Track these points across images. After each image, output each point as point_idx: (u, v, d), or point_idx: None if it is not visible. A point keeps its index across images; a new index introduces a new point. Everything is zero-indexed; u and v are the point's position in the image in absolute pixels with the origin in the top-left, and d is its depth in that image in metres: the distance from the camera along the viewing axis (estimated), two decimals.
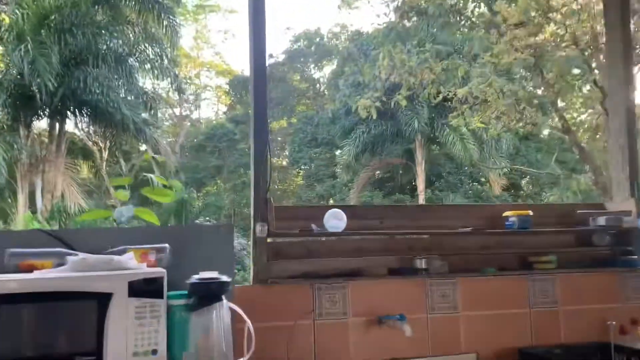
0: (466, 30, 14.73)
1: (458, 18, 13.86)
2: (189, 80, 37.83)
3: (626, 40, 4.30)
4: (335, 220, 3.59)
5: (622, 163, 4.28)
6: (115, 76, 18.03)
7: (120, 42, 17.67)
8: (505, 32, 10.57)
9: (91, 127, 22.10)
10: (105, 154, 32.56)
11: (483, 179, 27.27)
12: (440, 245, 3.90)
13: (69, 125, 29.15)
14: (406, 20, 14.09)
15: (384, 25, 14.30)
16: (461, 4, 12.97)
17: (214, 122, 36.44)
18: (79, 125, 24.56)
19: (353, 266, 3.66)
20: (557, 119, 15.06)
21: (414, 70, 13.17)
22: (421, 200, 23.94)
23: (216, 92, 38.57)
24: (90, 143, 31.97)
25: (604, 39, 10.53)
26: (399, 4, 13.62)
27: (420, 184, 24.15)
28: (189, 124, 38.58)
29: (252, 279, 3.46)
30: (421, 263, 3.71)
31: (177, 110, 37.51)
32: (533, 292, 3.91)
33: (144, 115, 22.05)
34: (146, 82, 30.32)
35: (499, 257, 3.99)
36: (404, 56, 13.34)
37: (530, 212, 3.99)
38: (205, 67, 38.00)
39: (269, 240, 3.48)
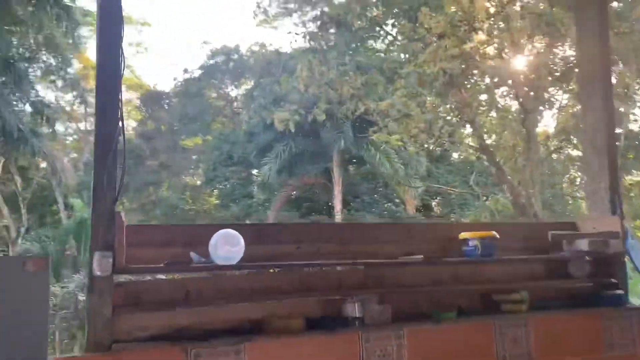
0: (385, 44, 14.04)
1: (378, 31, 13.11)
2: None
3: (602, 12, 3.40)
4: (227, 247, 2.30)
5: (599, 170, 3.33)
6: (2, 80, 15.72)
7: (9, 44, 15.41)
8: (429, 43, 9.82)
9: None
10: None
11: (397, 200, 26.87)
12: (378, 281, 2.72)
13: None
14: (325, 32, 13.15)
15: (302, 35, 13.26)
16: (381, 17, 12.19)
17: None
18: None
19: (253, 316, 2.38)
20: (470, 139, 14.68)
21: (333, 83, 12.18)
22: (337, 220, 23.02)
23: (126, 106, 36.04)
24: None
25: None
26: (318, 13, 12.66)
27: (338, 203, 23.23)
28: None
29: (86, 343, 2.09)
30: (353, 309, 2.50)
31: (82, 125, 34.59)
32: (502, 342, 2.81)
33: (45, 128, 19.72)
34: (47, 93, 27.67)
35: (456, 295, 2.88)
36: (323, 68, 12.30)
37: (495, 234, 2.91)
38: None
39: (117, 279, 2.14)
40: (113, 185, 2.20)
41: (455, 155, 31.27)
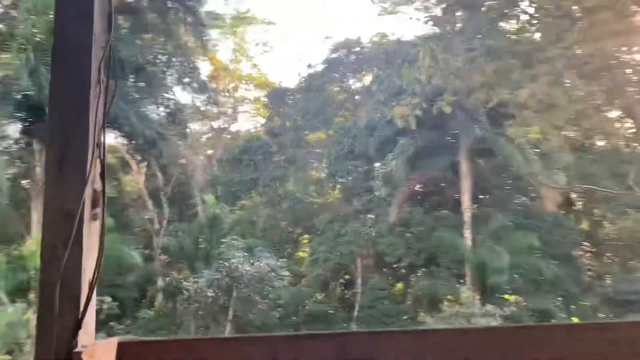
0: (520, 25, 12.09)
1: (512, 10, 11.27)
2: (227, 93, 36.27)
3: None
4: None
5: None
6: (134, 86, 16.24)
7: (139, 52, 15.83)
8: (577, 20, 8.00)
9: (124, 140, 20.58)
10: (143, 168, 31.26)
11: (533, 194, 24.24)
12: None
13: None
14: (451, 16, 11.60)
15: (425, 20, 11.83)
16: None
17: (251, 134, 34.65)
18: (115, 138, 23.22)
19: None
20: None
21: (460, 72, 10.65)
22: (466, 217, 21.17)
23: (254, 104, 36.83)
24: (127, 156, 30.73)
25: None
26: None
27: (466, 199, 21.39)
28: (229, 136, 36.98)
29: None
30: None
31: (215, 123, 35.95)
32: None
33: (178, 129, 20.31)
34: (181, 95, 28.94)
35: None
36: (448, 55, 10.79)
37: None
38: (243, 80, 36.35)
39: None
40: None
41: (599, 142, 27.64)
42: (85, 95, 1.26)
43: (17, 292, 16.50)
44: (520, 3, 10.07)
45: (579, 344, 1.66)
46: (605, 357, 1.63)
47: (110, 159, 30.58)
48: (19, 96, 14.15)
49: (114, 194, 27.83)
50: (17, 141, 15.45)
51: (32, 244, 14.97)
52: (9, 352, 15.46)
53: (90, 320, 1.33)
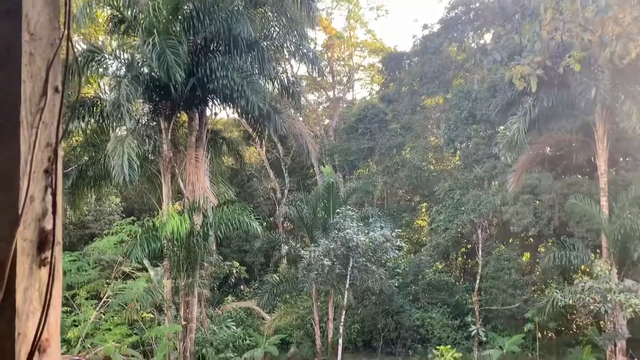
0: None
1: None
2: (342, 62, 36.00)
3: None
4: None
5: None
6: (249, 61, 16.55)
7: (252, 27, 15.99)
8: None
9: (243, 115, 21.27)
10: (263, 141, 32.35)
11: None
12: None
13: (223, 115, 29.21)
14: None
15: None
16: None
17: (366, 101, 34.16)
18: (232, 113, 24.19)
19: None
20: None
21: (590, 23, 9.27)
22: (602, 183, 19.08)
23: (369, 71, 36.17)
24: (242, 130, 31.93)
25: None
26: None
27: (602, 163, 19.20)
28: (344, 105, 36.87)
29: None
30: None
31: (330, 93, 35.96)
32: None
33: (291, 101, 20.51)
34: (292, 67, 29.20)
35: None
36: (577, 5, 9.41)
37: None
38: (358, 47, 35.78)
39: None
40: None
41: None
42: (13, 111, 1.00)
43: (153, 259, 18.08)
44: None
45: None
46: None
47: (234, 132, 32.08)
48: (147, 78, 15.11)
49: (236, 167, 29.23)
50: (147, 121, 16.62)
51: (163, 215, 16.13)
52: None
53: None
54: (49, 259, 1.03)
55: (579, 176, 21.71)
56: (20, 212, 0.98)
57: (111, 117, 14.61)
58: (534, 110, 18.86)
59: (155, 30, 14.26)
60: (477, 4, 28.99)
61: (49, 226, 1.05)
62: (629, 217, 17.73)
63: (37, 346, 0.99)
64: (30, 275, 1.01)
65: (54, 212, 1.06)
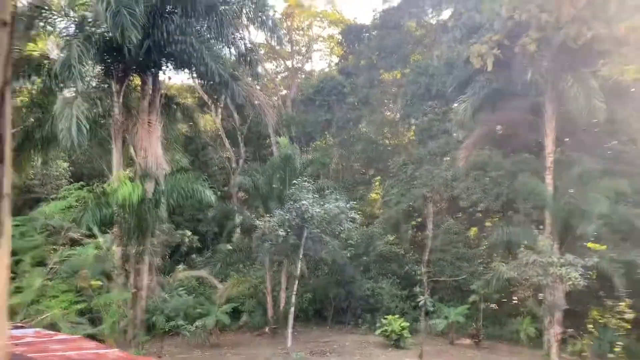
0: None
1: None
2: (301, 31, 35.46)
3: None
4: None
5: None
6: (205, 26, 16.03)
7: None
8: None
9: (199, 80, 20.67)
10: (219, 109, 31.69)
11: (624, 138, 22.09)
12: None
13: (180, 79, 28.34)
14: None
15: None
16: None
17: (325, 73, 33.91)
18: (187, 79, 23.53)
19: None
20: None
21: (547, 5, 9.50)
22: (549, 162, 19.78)
23: (328, 42, 35.82)
24: (197, 97, 31.15)
25: None
26: None
27: (550, 143, 19.87)
28: (303, 76, 36.49)
29: None
30: None
31: (289, 63, 35.46)
32: None
33: (249, 69, 20.04)
34: (250, 34, 28.53)
35: None
36: None
37: None
38: (318, 17, 35.27)
39: None
40: None
41: None
42: None
43: (103, 226, 17.56)
44: None
45: None
46: None
47: (188, 98, 31.27)
48: (99, 38, 14.40)
49: (191, 134, 28.58)
50: (98, 83, 15.91)
51: (114, 181, 15.65)
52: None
53: None
54: None
55: (527, 155, 22.39)
56: None
57: (60, 77, 13.90)
58: (482, 90, 19.20)
59: None
60: None
61: None
62: (572, 195, 18.51)
63: None
64: None
65: (2, 160, 0.95)
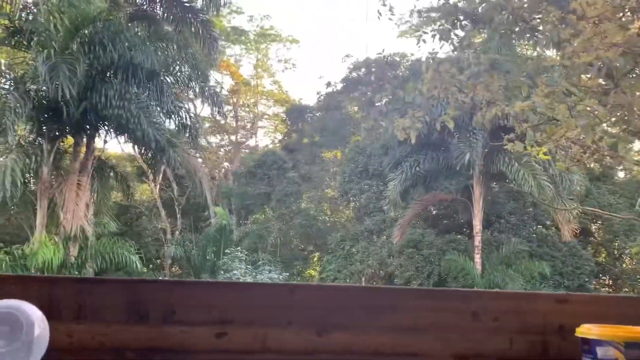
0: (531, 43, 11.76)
1: (522, 27, 10.96)
2: (247, 108, 36.47)
3: None
4: None
5: None
6: (146, 93, 16.30)
7: (155, 59, 15.87)
8: (581, 31, 7.66)
9: (135, 147, 20.60)
10: (158, 177, 31.41)
11: (548, 222, 23.52)
12: None
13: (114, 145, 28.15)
14: (458, 29, 11.36)
15: (432, 34, 11.59)
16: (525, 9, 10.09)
17: (268, 149, 34.65)
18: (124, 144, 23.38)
19: None
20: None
21: (463, 85, 10.34)
22: (477, 241, 20.59)
23: (273, 120, 36.91)
24: (137, 166, 30.90)
25: None
26: (450, 9, 10.95)
27: (478, 223, 20.79)
28: (246, 150, 37.05)
29: None
30: None
31: (233, 137, 36.09)
32: None
33: (191, 140, 20.23)
34: (196, 107, 29.13)
35: None
36: (454, 69, 10.52)
37: None
38: (264, 96, 36.53)
39: None
40: None
41: (621, 174, 26.77)
42: None
43: None
44: (530, 20, 9.76)
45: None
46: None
47: (127, 167, 30.90)
48: (34, 95, 14.35)
49: (126, 202, 27.98)
50: (30, 140, 15.60)
51: (35, 243, 14.99)
52: None
53: None
54: None
55: (459, 235, 23.22)
56: None
57: None
58: (411, 169, 20.19)
59: (52, 46, 13.77)
60: (376, 68, 30.99)
61: None
62: (497, 274, 19.26)
63: None
64: None
65: None
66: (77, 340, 1.36)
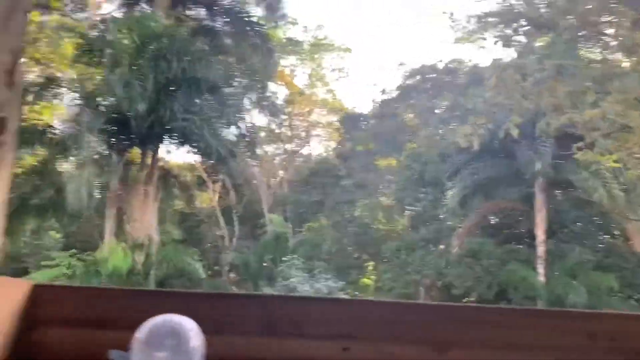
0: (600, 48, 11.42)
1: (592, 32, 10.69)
2: (301, 117, 36.90)
3: None
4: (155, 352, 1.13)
5: None
6: (208, 105, 16.86)
7: (216, 72, 16.44)
8: None
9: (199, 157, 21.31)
10: (218, 186, 32.26)
11: (617, 232, 22.50)
12: None
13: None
14: (521, 35, 11.18)
15: (495, 41, 11.45)
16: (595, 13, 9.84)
17: (322, 157, 34.93)
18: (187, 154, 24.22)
19: None
20: None
21: (528, 92, 10.20)
22: (540, 252, 19.96)
23: (327, 128, 37.15)
24: (197, 176, 31.84)
25: None
26: (512, 14, 10.82)
27: (540, 233, 20.17)
28: (301, 159, 37.45)
29: None
30: None
31: (288, 146, 36.58)
32: None
33: (249, 150, 20.72)
34: (252, 117, 29.77)
35: None
36: (518, 76, 10.39)
37: None
38: (318, 105, 36.85)
39: None
40: None
41: None
42: None
43: None
44: (598, 24, 9.50)
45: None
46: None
47: (187, 176, 31.89)
48: (105, 110, 15.17)
49: (188, 210, 28.86)
50: (101, 153, 16.45)
51: (106, 251, 15.73)
52: None
53: None
54: (3, 142, 1.21)
55: (519, 245, 22.56)
56: None
57: (66, 146, 14.51)
58: (471, 177, 19.82)
59: (123, 62, 14.53)
60: (434, 75, 30.74)
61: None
62: (562, 286, 18.55)
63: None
64: None
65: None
66: (214, 352, 1.49)
